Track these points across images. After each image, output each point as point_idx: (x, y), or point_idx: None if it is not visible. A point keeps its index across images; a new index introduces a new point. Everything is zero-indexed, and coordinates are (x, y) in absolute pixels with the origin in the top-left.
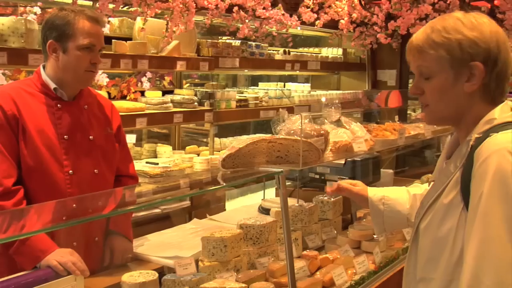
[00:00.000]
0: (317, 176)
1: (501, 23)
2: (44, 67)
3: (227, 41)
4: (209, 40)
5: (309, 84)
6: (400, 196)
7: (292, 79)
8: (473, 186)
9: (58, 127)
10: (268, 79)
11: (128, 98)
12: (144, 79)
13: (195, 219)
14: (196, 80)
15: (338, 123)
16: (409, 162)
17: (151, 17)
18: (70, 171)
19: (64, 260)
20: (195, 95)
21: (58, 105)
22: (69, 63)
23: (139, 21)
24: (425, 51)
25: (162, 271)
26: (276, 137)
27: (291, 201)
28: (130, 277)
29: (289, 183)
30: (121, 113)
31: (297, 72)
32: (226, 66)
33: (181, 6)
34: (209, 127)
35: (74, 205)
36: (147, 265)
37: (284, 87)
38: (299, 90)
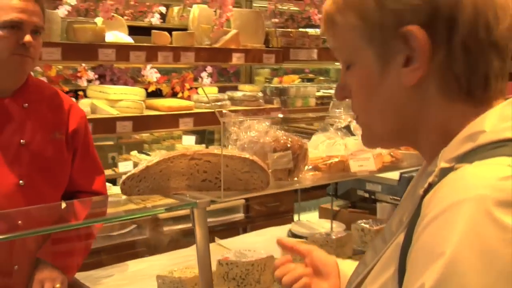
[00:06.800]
0: (367, 195)
1: None
2: None
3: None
4: (280, 29)
5: None
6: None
7: None
8: (408, 269)
9: None
10: None
11: (179, 95)
12: (204, 74)
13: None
14: (310, 75)
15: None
16: None
17: (199, 3)
18: None
19: None
20: (264, 91)
21: None
22: None
23: (195, 9)
24: (334, 21)
25: None
26: (201, 152)
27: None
28: None
29: (339, 202)
30: (162, 113)
31: None
32: (299, 58)
33: None
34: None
35: None
36: None
37: None
38: None
